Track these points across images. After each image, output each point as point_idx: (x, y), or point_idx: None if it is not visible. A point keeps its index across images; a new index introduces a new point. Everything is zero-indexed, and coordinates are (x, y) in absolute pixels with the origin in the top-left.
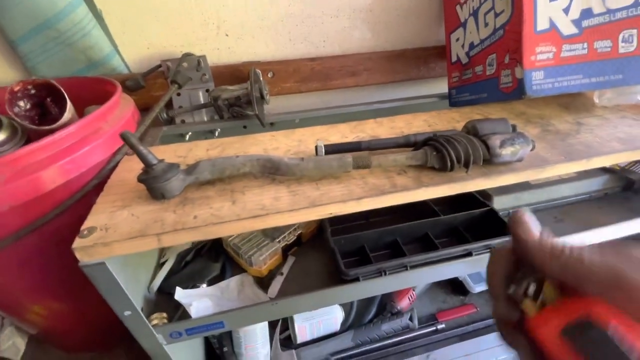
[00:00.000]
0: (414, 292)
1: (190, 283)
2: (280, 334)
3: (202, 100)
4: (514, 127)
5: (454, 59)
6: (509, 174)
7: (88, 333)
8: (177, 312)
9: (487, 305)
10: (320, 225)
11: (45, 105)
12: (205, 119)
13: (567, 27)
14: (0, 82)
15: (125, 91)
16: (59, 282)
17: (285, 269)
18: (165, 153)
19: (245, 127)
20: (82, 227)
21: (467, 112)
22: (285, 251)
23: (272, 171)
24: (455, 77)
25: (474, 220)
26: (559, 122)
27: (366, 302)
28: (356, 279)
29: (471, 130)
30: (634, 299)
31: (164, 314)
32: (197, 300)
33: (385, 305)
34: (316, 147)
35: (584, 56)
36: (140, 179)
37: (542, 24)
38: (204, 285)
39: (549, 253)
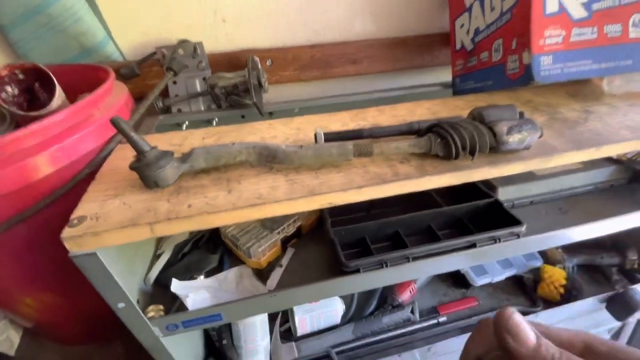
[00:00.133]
0: (415, 285)
1: (188, 275)
2: (280, 326)
3: (198, 89)
4: (521, 114)
5: (458, 46)
6: (516, 162)
7: (83, 325)
8: (174, 304)
9: (489, 298)
10: (321, 217)
11: (34, 91)
12: (203, 108)
13: (577, 10)
14: None
15: (120, 79)
16: (51, 274)
17: (284, 261)
18: (159, 141)
19: (243, 116)
20: (72, 216)
21: (471, 100)
22: (285, 243)
23: (269, 159)
24: (459, 64)
25: (477, 211)
26: (566, 110)
27: (367, 295)
28: (357, 271)
29: (477, 117)
30: None
31: (161, 306)
32: (194, 292)
33: (386, 298)
34: (315, 135)
35: (593, 41)
36: (132, 167)
37: (551, 7)
38: (202, 277)
39: None
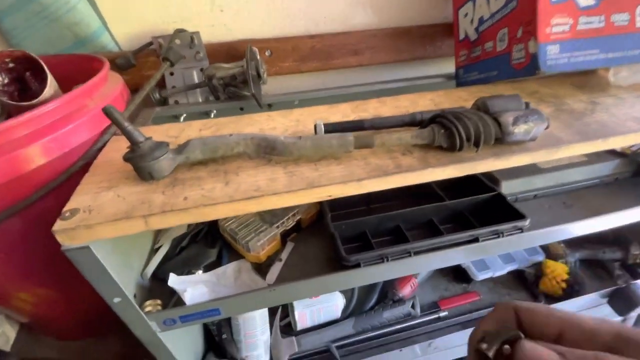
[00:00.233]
0: (416, 280)
1: (186, 269)
2: (280, 320)
3: (196, 80)
4: (527, 104)
5: (462, 36)
6: (522, 154)
7: (80, 320)
8: (172, 299)
9: (491, 292)
10: (321, 211)
11: (25, 81)
12: (200, 99)
13: None
14: None
15: (116, 70)
16: (46, 268)
17: (284, 255)
18: (156, 133)
19: (242, 108)
20: (64, 209)
21: (475, 91)
22: (284, 237)
23: (267, 151)
24: (463, 55)
25: (480, 205)
26: (573, 102)
27: (367, 290)
28: (357, 265)
29: (481, 107)
30: None
31: (158, 301)
32: (192, 287)
33: (386, 293)
34: (315, 126)
35: (600, 29)
36: (125, 158)
37: None
38: (200, 272)
39: None
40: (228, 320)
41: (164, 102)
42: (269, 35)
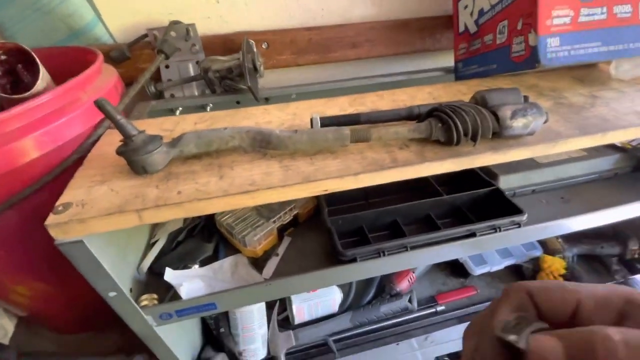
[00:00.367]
0: (413, 274)
1: (182, 264)
2: (278, 314)
3: (192, 73)
4: (526, 98)
5: (461, 28)
6: (520, 148)
7: (78, 314)
8: (168, 293)
9: (488, 287)
10: (317, 206)
11: (17, 73)
12: (196, 93)
13: None
14: None
15: (111, 63)
16: (42, 262)
17: (280, 250)
18: (150, 126)
19: (238, 102)
20: (57, 203)
21: (474, 85)
22: (281, 232)
23: (262, 144)
24: (462, 48)
25: (478, 200)
26: (572, 95)
27: (365, 284)
28: (354, 260)
29: (480, 100)
30: None
31: (154, 295)
32: (188, 281)
33: (384, 287)
34: (311, 120)
35: (602, 21)
36: (118, 152)
37: None
38: (196, 266)
39: None
40: (226, 314)
41: (159, 95)
42: (265, 28)
